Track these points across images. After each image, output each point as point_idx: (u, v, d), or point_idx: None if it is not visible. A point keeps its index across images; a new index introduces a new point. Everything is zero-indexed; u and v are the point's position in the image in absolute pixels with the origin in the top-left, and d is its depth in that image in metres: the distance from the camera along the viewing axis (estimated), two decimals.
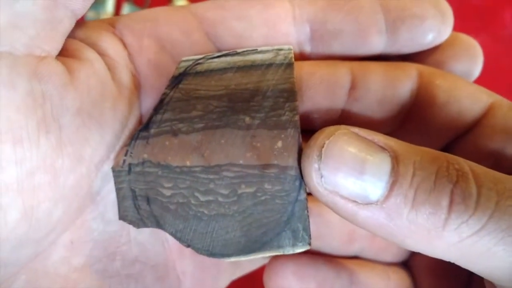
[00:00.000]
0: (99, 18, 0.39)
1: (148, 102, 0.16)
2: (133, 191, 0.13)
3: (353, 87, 0.15)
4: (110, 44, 0.16)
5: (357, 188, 0.11)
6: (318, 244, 0.16)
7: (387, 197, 0.11)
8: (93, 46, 0.16)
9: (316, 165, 0.11)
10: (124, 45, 0.17)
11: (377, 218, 0.11)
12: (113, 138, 0.15)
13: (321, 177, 0.11)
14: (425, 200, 0.11)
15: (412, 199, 0.11)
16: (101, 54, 0.16)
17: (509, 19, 0.40)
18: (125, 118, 0.16)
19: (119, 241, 0.16)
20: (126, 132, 0.16)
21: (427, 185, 0.11)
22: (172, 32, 0.17)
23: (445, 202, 0.11)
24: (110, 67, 0.16)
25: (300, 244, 0.11)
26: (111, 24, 0.17)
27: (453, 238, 0.11)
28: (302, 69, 0.15)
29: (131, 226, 0.16)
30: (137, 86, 0.16)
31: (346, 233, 0.16)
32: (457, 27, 0.43)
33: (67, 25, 0.15)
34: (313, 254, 0.16)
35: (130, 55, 0.17)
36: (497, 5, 0.40)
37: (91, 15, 0.39)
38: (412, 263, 0.17)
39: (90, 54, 0.16)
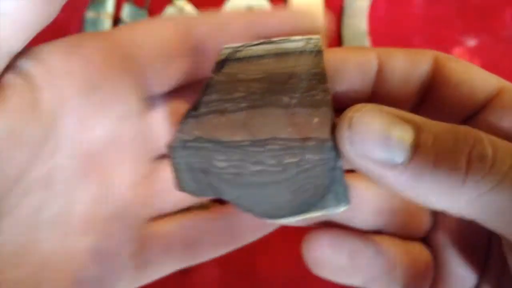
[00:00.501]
0: (99, 18, 0.39)
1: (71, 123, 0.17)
2: (189, 164, 0.15)
3: (380, 70, 0.16)
4: (34, 67, 0.17)
5: (384, 153, 0.13)
6: (346, 216, 0.18)
7: (410, 159, 0.12)
8: (17, 71, 0.16)
9: (347, 135, 0.13)
10: (49, 67, 0.17)
11: (402, 179, 0.13)
12: (28, 159, 0.16)
13: (352, 145, 0.13)
14: (445, 160, 0.12)
15: (434, 160, 0.12)
16: (25, 77, 0.16)
17: (509, 19, 0.40)
18: (43, 138, 0.17)
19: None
20: (46, 149, 0.17)
21: (446, 148, 0.12)
22: (94, 54, 0.18)
23: (463, 161, 0.12)
24: (34, 91, 0.16)
25: (342, 204, 0.14)
26: (33, 50, 0.18)
27: (472, 194, 0.12)
28: (337, 54, 0.16)
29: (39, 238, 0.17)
30: (58, 106, 0.17)
31: (372, 207, 0.18)
32: (457, 27, 0.43)
33: (2, 65, 0.16)
34: (342, 228, 0.18)
35: (54, 77, 0.17)
36: (497, 5, 0.40)
37: (91, 15, 0.39)
38: (431, 238, 0.18)
39: (13, 79, 0.16)
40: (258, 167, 0.14)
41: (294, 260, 0.37)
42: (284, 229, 0.37)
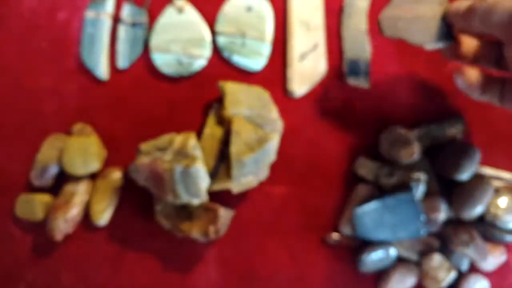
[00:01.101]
0: (99, 18, 0.39)
1: None
2: (389, 22, 0.31)
3: None
4: None
5: (460, 9, 0.28)
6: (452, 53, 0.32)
7: (466, 11, 0.28)
8: None
9: (450, 14, 0.29)
10: None
11: (465, 20, 0.28)
12: None
13: (451, 13, 0.29)
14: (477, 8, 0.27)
15: (474, 9, 0.27)
16: None
17: None
18: None
19: None
20: None
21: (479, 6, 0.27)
22: None
23: (479, 6, 0.27)
24: None
25: (450, 40, 0.30)
26: None
27: (483, 16, 0.26)
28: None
29: None
30: None
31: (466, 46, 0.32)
32: None
33: None
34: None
35: None
36: None
37: (91, 15, 0.39)
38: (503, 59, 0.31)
39: None
40: (421, 27, 0.30)
41: (293, 260, 0.37)
42: (282, 230, 0.37)
